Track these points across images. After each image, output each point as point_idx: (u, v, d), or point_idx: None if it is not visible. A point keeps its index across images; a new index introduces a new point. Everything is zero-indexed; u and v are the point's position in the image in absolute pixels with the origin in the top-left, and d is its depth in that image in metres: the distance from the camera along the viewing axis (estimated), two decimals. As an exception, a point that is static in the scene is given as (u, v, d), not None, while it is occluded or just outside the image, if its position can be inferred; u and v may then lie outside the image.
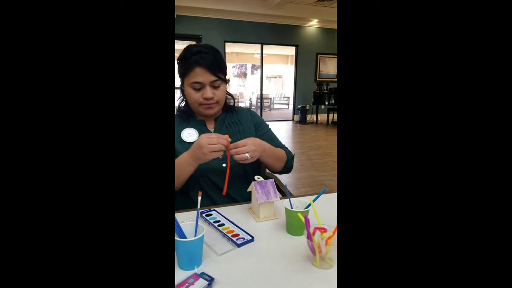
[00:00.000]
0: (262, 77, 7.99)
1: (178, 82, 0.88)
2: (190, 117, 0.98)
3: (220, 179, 0.92)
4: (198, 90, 0.89)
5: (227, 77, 0.95)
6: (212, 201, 0.92)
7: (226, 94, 0.98)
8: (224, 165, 0.93)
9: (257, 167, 1.06)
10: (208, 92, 0.88)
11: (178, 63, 0.91)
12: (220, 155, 0.77)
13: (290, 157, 1.02)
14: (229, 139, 0.79)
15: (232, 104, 1.04)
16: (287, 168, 1.01)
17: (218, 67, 0.89)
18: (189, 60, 0.87)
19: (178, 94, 0.98)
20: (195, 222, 0.58)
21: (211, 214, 0.78)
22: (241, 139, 0.94)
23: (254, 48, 8.17)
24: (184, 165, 0.82)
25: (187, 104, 0.98)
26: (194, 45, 0.90)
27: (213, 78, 0.88)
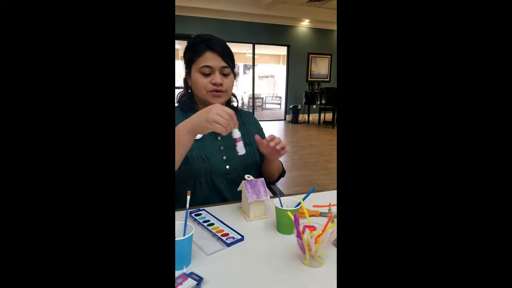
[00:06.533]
0: (254, 76, 7.99)
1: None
2: (193, 110, 0.93)
3: (223, 182, 0.90)
4: (207, 75, 0.86)
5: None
6: (210, 203, 0.90)
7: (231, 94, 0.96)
8: (228, 166, 0.90)
9: (259, 172, 1.03)
10: (217, 77, 0.86)
11: (185, 52, 0.89)
12: (221, 132, 0.69)
13: (283, 169, 1.02)
14: (237, 124, 0.73)
15: (236, 105, 1.02)
16: (278, 179, 1.02)
17: (228, 54, 0.88)
18: (199, 46, 0.86)
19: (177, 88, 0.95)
20: (183, 222, 0.58)
21: (200, 214, 0.77)
22: (246, 141, 0.95)
23: (246, 48, 8.17)
24: (180, 132, 0.72)
25: (190, 96, 0.94)
26: (203, 34, 0.90)
27: (223, 63, 0.87)
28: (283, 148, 0.81)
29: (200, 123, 0.71)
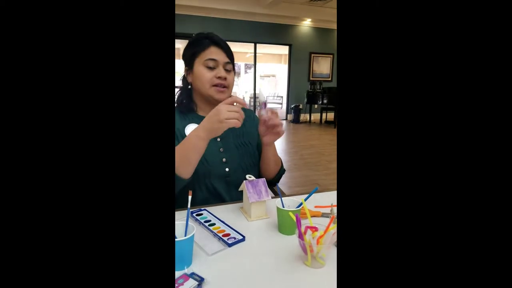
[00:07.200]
0: (256, 76, 7.98)
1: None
2: (191, 112, 0.93)
3: (222, 185, 0.90)
4: (211, 69, 0.86)
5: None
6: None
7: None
8: (227, 169, 0.90)
9: (258, 173, 1.01)
10: (222, 71, 0.86)
11: (187, 48, 0.89)
12: (236, 125, 0.71)
13: (282, 166, 1.01)
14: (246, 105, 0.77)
15: None
16: (278, 177, 1.00)
17: (229, 51, 0.90)
18: (202, 41, 0.87)
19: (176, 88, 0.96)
20: (185, 222, 0.58)
21: (201, 214, 0.77)
22: (245, 141, 0.95)
23: (247, 47, 8.15)
24: (194, 140, 0.74)
25: (188, 95, 0.93)
26: (204, 32, 0.91)
27: (227, 59, 0.88)
28: (275, 126, 0.83)
29: (213, 127, 0.72)
